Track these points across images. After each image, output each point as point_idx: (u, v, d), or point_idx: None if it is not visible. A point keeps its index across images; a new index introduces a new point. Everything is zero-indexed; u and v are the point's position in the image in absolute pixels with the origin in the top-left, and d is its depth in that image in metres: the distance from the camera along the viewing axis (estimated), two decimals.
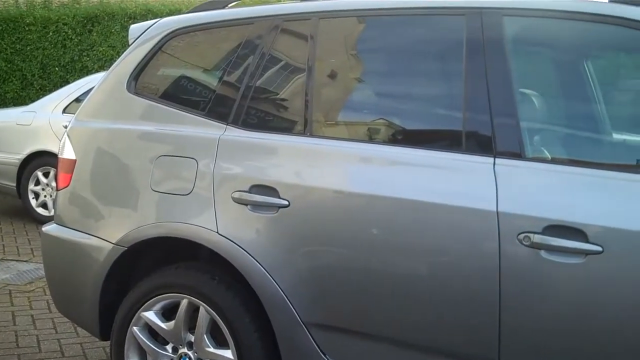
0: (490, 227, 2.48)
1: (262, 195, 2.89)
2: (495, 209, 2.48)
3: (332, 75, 3.10)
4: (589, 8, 2.61)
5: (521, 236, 2.42)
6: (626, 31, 2.55)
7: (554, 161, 2.62)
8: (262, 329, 2.96)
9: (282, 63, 3.17)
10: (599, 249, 2.33)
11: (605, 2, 2.62)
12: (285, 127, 3.08)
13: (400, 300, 2.68)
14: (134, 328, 3.21)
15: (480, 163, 2.59)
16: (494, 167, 2.56)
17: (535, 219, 2.42)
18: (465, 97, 2.70)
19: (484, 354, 2.55)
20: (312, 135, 2.95)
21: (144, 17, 12.72)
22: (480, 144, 2.63)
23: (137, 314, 3.19)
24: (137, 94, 3.39)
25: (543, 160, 2.62)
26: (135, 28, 3.62)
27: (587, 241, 2.35)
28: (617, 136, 3.15)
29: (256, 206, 2.91)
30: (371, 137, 2.95)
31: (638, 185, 2.41)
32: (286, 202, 2.84)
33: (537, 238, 2.40)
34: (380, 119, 3.02)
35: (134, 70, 3.43)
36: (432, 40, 2.94)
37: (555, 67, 3.16)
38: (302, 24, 3.11)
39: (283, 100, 3.13)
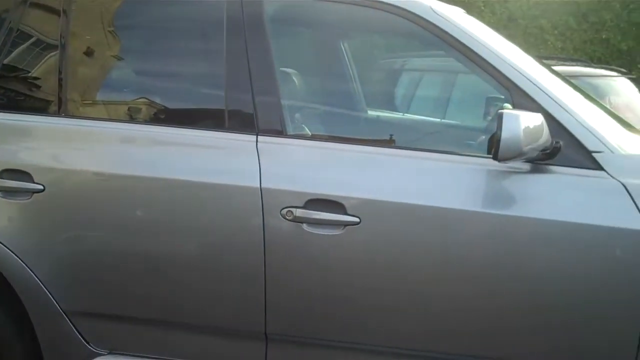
0: (255, 203, 2.50)
1: (14, 180, 2.70)
2: (258, 186, 2.51)
3: (89, 53, 2.96)
4: None
5: (284, 211, 2.47)
6: (378, 13, 2.67)
7: (314, 137, 2.69)
8: (19, 322, 2.78)
9: (33, 39, 2.97)
10: (357, 220, 2.43)
11: None
12: (38, 107, 2.90)
13: (167, 281, 2.63)
14: None
15: (243, 141, 2.60)
16: (256, 144, 2.58)
17: (297, 194, 2.48)
18: (227, 76, 2.69)
19: (251, 327, 2.59)
20: (67, 116, 2.79)
21: None
22: (243, 122, 2.64)
23: None
24: None
25: (304, 137, 2.69)
26: None
27: (345, 213, 2.44)
28: (372, 113, 3.32)
29: (8, 192, 2.71)
30: (132, 117, 2.86)
31: (391, 158, 2.55)
32: (41, 187, 2.67)
33: (299, 212, 2.46)
34: (142, 98, 2.94)
35: None
36: (193, 18, 2.90)
37: (314, 47, 3.25)
38: None
39: (35, 78, 2.93)
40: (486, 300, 2.41)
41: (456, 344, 2.47)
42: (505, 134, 2.25)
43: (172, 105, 2.93)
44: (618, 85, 6.33)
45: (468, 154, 2.57)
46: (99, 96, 3.01)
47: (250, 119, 2.63)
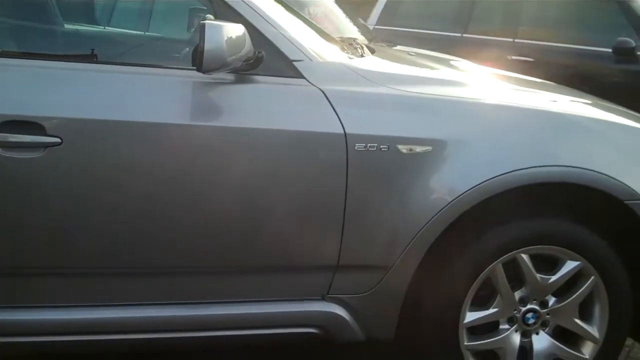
0: None
1: None
2: None
3: None
4: None
5: None
6: None
7: (4, 54, 2.49)
8: None
9: None
10: (58, 140, 2.29)
11: None
12: None
13: None
14: None
15: None
16: None
17: None
18: None
19: None
20: None
21: None
22: None
23: None
24: None
25: None
26: None
27: (45, 134, 2.29)
28: (69, 26, 3.13)
29: None
30: None
31: (93, 74, 2.44)
32: None
33: None
34: None
35: None
36: None
37: None
38: None
39: None
40: (202, 211, 2.43)
41: (173, 257, 2.47)
42: (208, 45, 2.24)
43: None
44: None
45: (172, 66, 2.53)
46: None
47: None
